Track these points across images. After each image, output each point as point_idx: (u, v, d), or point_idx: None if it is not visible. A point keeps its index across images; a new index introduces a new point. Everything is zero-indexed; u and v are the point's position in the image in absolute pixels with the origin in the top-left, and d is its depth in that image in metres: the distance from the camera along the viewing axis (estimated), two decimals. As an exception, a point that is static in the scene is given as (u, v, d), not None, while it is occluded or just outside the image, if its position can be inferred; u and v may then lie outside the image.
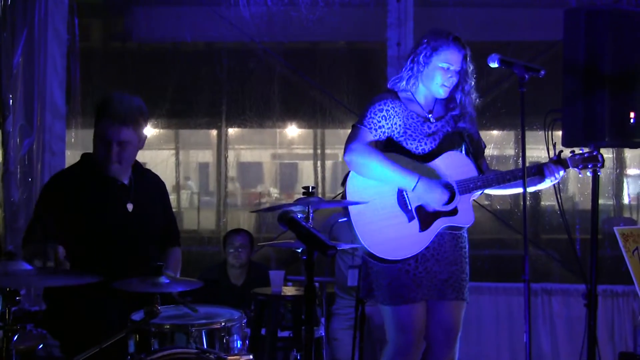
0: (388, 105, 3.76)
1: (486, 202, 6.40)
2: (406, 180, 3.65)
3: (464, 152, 3.83)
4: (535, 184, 3.87)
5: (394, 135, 3.74)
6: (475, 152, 3.90)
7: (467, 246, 3.86)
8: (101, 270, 3.10)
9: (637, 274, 4.13)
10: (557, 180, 3.82)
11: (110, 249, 3.51)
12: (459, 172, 3.74)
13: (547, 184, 3.83)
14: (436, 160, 3.73)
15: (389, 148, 3.75)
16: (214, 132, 7.81)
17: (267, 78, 6.47)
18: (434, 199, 3.67)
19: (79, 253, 3.33)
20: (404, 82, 3.84)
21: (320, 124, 7.01)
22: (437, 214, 3.70)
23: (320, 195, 3.46)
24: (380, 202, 3.70)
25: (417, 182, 3.63)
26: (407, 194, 3.69)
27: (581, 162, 3.84)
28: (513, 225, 6.25)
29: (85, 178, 3.59)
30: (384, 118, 3.73)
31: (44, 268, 3.04)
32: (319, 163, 7.98)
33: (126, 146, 3.54)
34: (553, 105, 4.31)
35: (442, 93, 3.79)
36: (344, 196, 3.73)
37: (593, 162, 3.86)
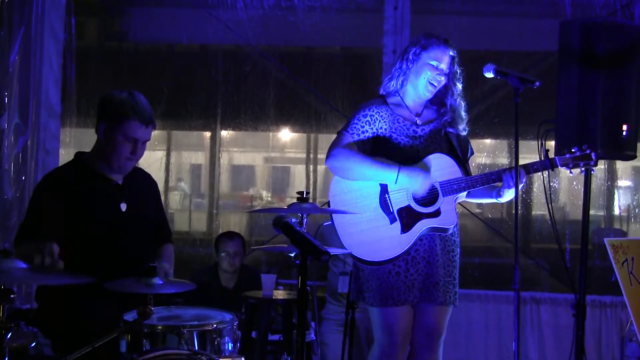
0: (373, 111, 3.79)
1: (477, 211, 6.43)
2: (387, 174, 3.67)
3: (450, 155, 3.80)
4: (496, 196, 3.81)
5: (379, 137, 3.76)
6: (464, 156, 3.89)
7: (457, 250, 3.84)
8: (94, 270, 3.11)
9: (626, 285, 4.15)
10: (521, 185, 3.71)
11: (103, 249, 3.51)
12: (444, 174, 3.74)
13: (510, 194, 3.72)
14: (420, 162, 3.73)
15: (374, 152, 3.77)
16: (207, 134, 7.80)
17: (263, 81, 6.48)
18: (420, 184, 3.66)
19: (72, 253, 3.33)
20: (394, 81, 3.86)
21: (315, 128, 7.01)
22: (419, 216, 3.70)
23: (311, 200, 3.48)
24: (362, 205, 3.73)
25: (399, 173, 3.65)
26: (389, 196, 3.71)
27: (571, 161, 3.75)
28: (504, 234, 6.28)
29: (78, 178, 3.59)
30: (367, 123, 3.76)
31: (39, 266, 3.05)
32: (311, 167, 7.97)
33: (145, 145, 3.64)
34: (547, 116, 4.33)
35: (428, 94, 3.80)
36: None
37: (585, 160, 3.75)
